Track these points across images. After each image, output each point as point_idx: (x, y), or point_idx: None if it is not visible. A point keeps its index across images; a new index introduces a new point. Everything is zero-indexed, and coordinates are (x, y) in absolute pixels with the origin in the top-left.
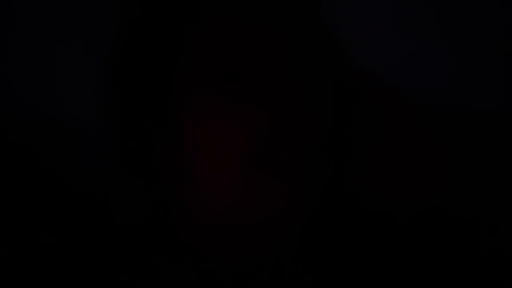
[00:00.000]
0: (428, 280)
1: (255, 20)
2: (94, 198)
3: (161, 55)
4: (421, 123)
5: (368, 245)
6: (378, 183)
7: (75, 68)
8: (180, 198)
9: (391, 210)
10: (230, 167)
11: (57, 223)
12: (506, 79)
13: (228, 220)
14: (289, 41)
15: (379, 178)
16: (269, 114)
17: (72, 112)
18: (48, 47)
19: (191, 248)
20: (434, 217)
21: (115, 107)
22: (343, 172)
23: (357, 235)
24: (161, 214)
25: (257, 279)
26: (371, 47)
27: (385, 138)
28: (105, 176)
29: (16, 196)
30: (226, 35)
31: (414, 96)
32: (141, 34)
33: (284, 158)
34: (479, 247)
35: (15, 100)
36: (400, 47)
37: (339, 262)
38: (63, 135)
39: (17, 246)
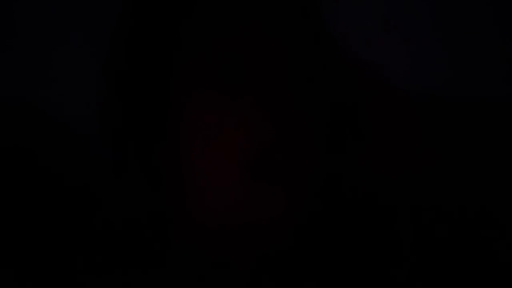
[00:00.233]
0: (428, 279)
1: (254, 21)
2: (93, 198)
3: (159, 56)
4: (416, 117)
5: (367, 244)
6: (376, 175)
7: (74, 68)
8: (178, 199)
9: (390, 205)
10: (229, 168)
11: (56, 222)
12: (497, 70)
13: (226, 221)
14: (288, 41)
15: (376, 170)
16: (268, 115)
17: (71, 111)
18: (48, 46)
19: (189, 248)
20: (433, 215)
21: (113, 107)
22: (341, 170)
23: (356, 234)
24: (159, 214)
25: (255, 279)
26: (366, 43)
27: (381, 132)
28: (104, 176)
29: (15, 195)
30: (225, 36)
31: (407, 90)
32: (139, 34)
33: (283, 159)
34: (479, 244)
35: (15, 99)
36: (392, 42)
37: (339, 262)
38: (62, 135)
39: (17, 245)
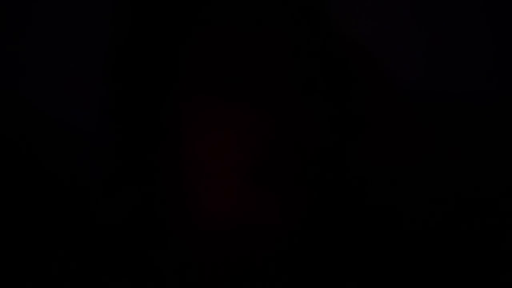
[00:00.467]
0: (428, 279)
1: (255, 25)
2: (92, 198)
3: (160, 60)
4: (415, 114)
5: (368, 246)
6: (375, 171)
7: (74, 68)
8: (177, 200)
9: (392, 204)
10: (228, 171)
11: (55, 221)
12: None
13: (224, 223)
14: (289, 46)
15: (375, 166)
16: (271, 120)
17: (71, 111)
18: (47, 46)
19: (187, 248)
20: (432, 212)
21: (114, 108)
22: (342, 171)
23: (358, 236)
24: (158, 215)
25: (252, 282)
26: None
27: (380, 129)
28: (104, 176)
29: (14, 195)
30: (225, 40)
31: (406, 88)
32: (140, 38)
33: (284, 164)
34: (478, 240)
35: (15, 99)
36: (391, 40)
37: (338, 263)
38: (62, 135)
39: (16, 244)
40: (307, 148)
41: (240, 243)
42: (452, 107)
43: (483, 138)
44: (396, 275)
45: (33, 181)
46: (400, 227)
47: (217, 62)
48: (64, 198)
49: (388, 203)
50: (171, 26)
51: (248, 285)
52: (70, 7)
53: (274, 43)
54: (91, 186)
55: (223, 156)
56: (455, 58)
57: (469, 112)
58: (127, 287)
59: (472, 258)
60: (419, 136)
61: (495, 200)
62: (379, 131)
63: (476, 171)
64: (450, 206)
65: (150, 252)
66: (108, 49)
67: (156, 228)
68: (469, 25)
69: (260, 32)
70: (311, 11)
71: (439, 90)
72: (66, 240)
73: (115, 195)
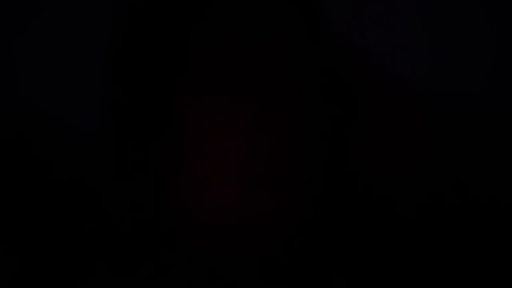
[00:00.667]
0: (427, 278)
1: (259, 27)
2: (93, 197)
3: (164, 60)
4: (413, 112)
5: (368, 242)
6: (373, 169)
7: (75, 67)
8: (178, 197)
9: (390, 203)
10: (229, 171)
11: (56, 222)
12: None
13: (223, 219)
14: (292, 48)
15: (373, 164)
16: (274, 122)
17: (71, 111)
18: (48, 46)
19: (189, 244)
20: (431, 209)
21: (116, 107)
22: (341, 170)
23: (358, 232)
24: (159, 212)
25: (253, 277)
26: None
27: (378, 126)
28: (105, 176)
29: (15, 195)
30: (231, 40)
31: (405, 85)
32: (143, 38)
33: (285, 165)
34: (476, 239)
35: (14, 98)
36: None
37: (339, 261)
38: (63, 135)
39: (16, 244)
40: (309, 148)
41: (241, 239)
42: (449, 106)
43: (480, 137)
44: (395, 271)
45: (33, 181)
46: (399, 225)
47: (221, 63)
48: (64, 198)
49: (387, 201)
50: (175, 26)
51: (248, 283)
52: (70, 6)
53: (278, 44)
54: (91, 186)
55: (227, 157)
56: (453, 55)
57: (467, 111)
58: (134, 286)
59: (471, 256)
60: (417, 134)
61: (493, 199)
62: (377, 129)
63: (474, 169)
64: (448, 204)
65: (156, 251)
66: (110, 48)
67: (160, 227)
68: (467, 22)
69: (264, 33)
70: (311, 14)
71: (436, 88)
72: (67, 240)
73: (117, 193)
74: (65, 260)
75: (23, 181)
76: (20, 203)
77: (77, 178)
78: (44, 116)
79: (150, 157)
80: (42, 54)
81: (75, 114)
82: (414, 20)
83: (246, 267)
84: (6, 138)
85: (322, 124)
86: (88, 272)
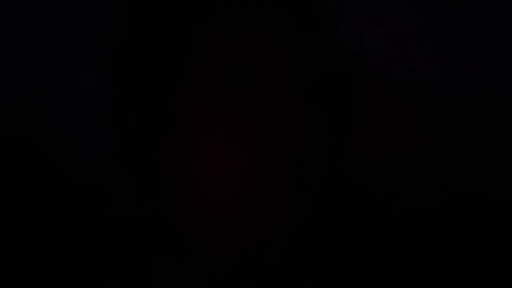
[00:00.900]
0: (426, 277)
1: (260, 25)
2: (94, 197)
3: (163, 59)
4: (410, 108)
5: (368, 242)
6: (369, 167)
7: (75, 67)
8: (178, 198)
9: (388, 201)
10: (230, 171)
11: (57, 222)
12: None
13: (224, 219)
14: (293, 46)
15: (370, 162)
16: (274, 123)
17: (71, 111)
18: (48, 46)
19: (188, 244)
20: (426, 207)
21: (116, 106)
22: (340, 170)
23: (354, 232)
24: (159, 212)
25: (254, 277)
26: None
27: (375, 123)
28: (105, 175)
29: (16, 195)
30: (231, 39)
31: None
32: (142, 37)
33: (286, 166)
34: (474, 237)
35: (15, 99)
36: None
37: (338, 262)
38: (63, 134)
39: (16, 243)
40: (309, 148)
41: (241, 239)
42: (449, 105)
43: (478, 132)
44: (394, 270)
45: (33, 181)
46: (398, 224)
47: (221, 62)
48: (65, 198)
49: (385, 199)
50: (174, 25)
51: (249, 282)
52: (70, 6)
53: (277, 44)
54: (92, 185)
55: (226, 158)
56: (453, 55)
57: (464, 106)
58: (134, 285)
59: (469, 255)
60: (416, 134)
61: (491, 197)
62: (376, 129)
63: (472, 165)
64: (445, 201)
65: (157, 252)
66: (109, 48)
67: (160, 227)
68: (466, 22)
69: (266, 31)
70: (311, 14)
71: (433, 83)
72: (68, 240)
73: (117, 193)
74: (65, 260)
75: (23, 181)
76: (20, 203)
77: (77, 178)
78: (44, 116)
79: (150, 157)
80: (42, 54)
81: (75, 114)
82: (412, 19)
83: (246, 267)
84: (5, 138)
85: (322, 124)
86: (88, 272)
